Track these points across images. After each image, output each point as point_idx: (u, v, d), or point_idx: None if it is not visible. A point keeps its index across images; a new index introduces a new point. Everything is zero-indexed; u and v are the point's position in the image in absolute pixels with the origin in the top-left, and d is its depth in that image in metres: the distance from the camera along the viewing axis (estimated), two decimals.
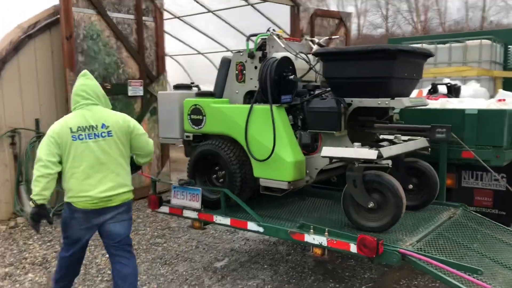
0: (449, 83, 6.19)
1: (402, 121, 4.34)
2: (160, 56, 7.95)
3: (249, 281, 4.48)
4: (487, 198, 5.60)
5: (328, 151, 3.66)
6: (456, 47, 7.45)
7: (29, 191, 6.25)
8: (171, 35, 13.66)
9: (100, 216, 3.43)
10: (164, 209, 4.40)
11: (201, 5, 11.97)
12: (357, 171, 3.57)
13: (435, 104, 4.96)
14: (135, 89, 7.47)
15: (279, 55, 4.18)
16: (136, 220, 6.41)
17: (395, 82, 3.63)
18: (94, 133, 3.40)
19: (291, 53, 4.18)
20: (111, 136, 3.44)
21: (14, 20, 6.49)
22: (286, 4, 10.49)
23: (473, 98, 6.00)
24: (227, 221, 3.97)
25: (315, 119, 3.89)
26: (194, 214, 4.19)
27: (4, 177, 6.30)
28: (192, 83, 4.81)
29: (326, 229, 3.48)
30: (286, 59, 3.98)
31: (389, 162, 3.54)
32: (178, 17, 13.03)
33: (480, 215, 4.29)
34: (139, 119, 7.25)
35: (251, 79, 4.21)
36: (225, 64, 4.49)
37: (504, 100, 5.10)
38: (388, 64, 3.53)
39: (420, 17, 33.21)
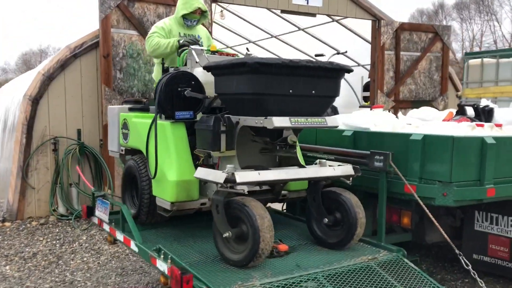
0: (475, 104, 5.11)
1: (296, 143, 3.67)
2: None
3: None
4: (503, 248, 4.58)
5: (198, 172, 3.38)
6: None
7: (63, 194, 7.00)
8: (268, 51, 13.92)
9: None
10: (95, 219, 4.51)
11: (292, 24, 11.98)
12: (220, 195, 3.22)
13: (386, 126, 4.16)
14: None
15: (197, 70, 4.03)
16: None
17: (270, 99, 3.18)
18: None
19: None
20: None
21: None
22: (367, 19, 9.83)
23: None
24: (121, 237, 3.91)
25: (199, 138, 3.64)
26: (108, 227, 4.21)
27: (45, 179, 7.14)
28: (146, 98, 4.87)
29: (170, 256, 3.19)
30: (183, 74, 3.79)
31: (245, 188, 3.10)
32: (275, 36, 13.22)
33: (415, 268, 3.43)
34: None
35: None
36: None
37: (500, 125, 4.04)
38: (252, 79, 3.11)
39: None
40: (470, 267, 3.34)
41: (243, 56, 4.47)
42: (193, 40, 4.40)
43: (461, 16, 40.71)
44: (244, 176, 3.08)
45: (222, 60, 3.37)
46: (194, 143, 3.76)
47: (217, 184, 3.16)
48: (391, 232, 4.47)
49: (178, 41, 4.29)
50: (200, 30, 4.87)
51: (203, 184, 3.69)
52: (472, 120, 5.04)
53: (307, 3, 9.01)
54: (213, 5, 9.06)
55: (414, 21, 39.30)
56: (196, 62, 4.01)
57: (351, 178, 3.59)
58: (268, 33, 13.12)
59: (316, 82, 3.31)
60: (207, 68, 3.56)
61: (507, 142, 3.79)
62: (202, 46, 4.55)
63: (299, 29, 12.12)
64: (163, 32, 4.52)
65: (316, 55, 6.81)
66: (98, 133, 7.41)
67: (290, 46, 13.18)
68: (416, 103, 10.18)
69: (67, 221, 6.94)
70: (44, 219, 6.93)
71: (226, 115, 3.52)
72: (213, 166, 3.79)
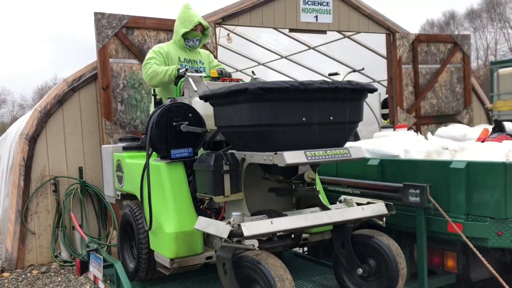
0: None
1: (314, 180, 2.97)
2: None
3: None
4: None
5: (199, 222, 2.83)
6: None
7: (65, 238, 6.50)
8: (279, 72, 13.48)
9: None
10: (91, 275, 3.98)
11: (302, 43, 11.53)
12: (227, 251, 2.64)
13: (418, 153, 3.57)
14: None
15: (196, 100, 3.52)
16: None
17: (279, 131, 2.64)
18: None
19: None
20: None
21: None
22: (380, 33, 9.31)
23: None
24: None
25: (199, 180, 3.08)
26: (103, 286, 3.67)
27: (46, 222, 6.66)
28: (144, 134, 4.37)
29: None
30: (178, 106, 3.27)
31: (255, 243, 2.54)
32: (285, 57, 12.76)
33: None
34: None
35: None
36: None
37: None
38: (255, 108, 2.59)
39: None
40: None
41: (248, 81, 4.00)
42: (194, 69, 3.95)
43: (474, 26, 39.96)
44: (253, 227, 2.51)
45: (220, 88, 2.85)
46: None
47: (221, 238, 2.61)
48: (432, 274, 3.84)
49: (178, 69, 3.77)
50: (201, 54, 4.41)
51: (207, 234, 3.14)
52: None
53: (316, 20, 8.53)
54: (219, 28, 8.68)
55: (425, 33, 38.78)
56: (194, 91, 3.51)
57: (384, 218, 3.01)
58: (278, 54, 12.67)
59: (334, 106, 2.76)
60: (203, 97, 3.04)
61: None
62: (204, 72, 4.07)
63: (310, 47, 11.64)
64: (161, 57, 4.07)
65: (330, 74, 6.31)
66: (100, 170, 6.92)
67: (302, 66, 12.70)
68: (439, 118, 9.58)
69: (71, 268, 6.42)
70: (46, 267, 6.41)
71: (229, 152, 3.00)
72: (219, 210, 3.25)
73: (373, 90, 2.90)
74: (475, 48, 38.33)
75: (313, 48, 11.67)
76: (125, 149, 3.96)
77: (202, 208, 3.29)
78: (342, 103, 2.80)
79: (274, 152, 2.63)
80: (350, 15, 8.84)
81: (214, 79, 3.75)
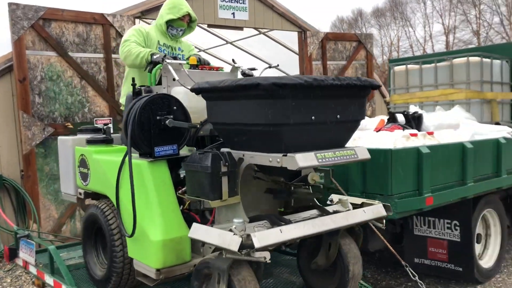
0: (405, 111, 5.24)
1: (321, 183, 3.11)
2: None
3: None
4: (442, 250, 4.67)
5: (196, 230, 2.62)
6: (442, 67, 6.36)
7: None
8: None
9: None
10: (20, 261, 4.10)
11: (220, 38, 11.90)
12: (222, 263, 2.45)
13: None
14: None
15: (176, 90, 3.31)
16: None
17: (289, 131, 2.47)
18: None
19: (185, 87, 3.20)
20: None
21: None
22: (293, 31, 9.93)
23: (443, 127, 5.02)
24: (51, 281, 3.55)
25: (191, 181, 2.83)
26: (35, 270, 3.83)
27: None
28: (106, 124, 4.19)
29: None
30: (161, 98, 2.98)
31: (267, 255, 2.37)
32: (203, 50, 13.06)
33: (366, 285, 3.40)
34: None
35: None
36: (129, 100, 3.36)
37: (431, 133, 4.12)
38: (267, 105, 2.42)
39: None
40: (417, 278, 3.35)
41: (228, 70, 3.96)
42: (172, 55, 3.68)
43: (379, 23, 42.71)
44: (263, 237, 2.33)
45: (222, 80, 2.65)
46: (176, 183, 3.06)
47: (226, 251, 2.39)
48: None
49: (152, 54, 3.51)
50: (182, 43, 4.22)
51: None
52: (403, 127, 5.15)
53: (233, 16, 8.95)
54: (137, 21, 8.78)
55: (336, 29, 40.93)
56: (174, 79, 3.26)
57: (384, 221, 3.05)
58: (196, 47, 12.91)
59: (341, 104, 2.65)
60: (196, 90, 2.82)
61: (439, 151, 3.88)
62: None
63: (227, 42, 12.05)
64: (141, 36, 3.82)
65: (249, 69, 6.74)
66: (18, 163, 6.85)
67: (220, 59, 13.07)
68: None
69: None
70: None
71: (226, 151, 2.79)
72: (203, 213, 3.07)
73: (377, 86, 2.86)
74: (381, 44, 41.05)
75: (231, 43, 12.10)
76: (89, 142, 3.58)
77: (184, 209, 3.05)
78: (350, 100, 2.70)
79: (282, 154, 2.46)
80: (264, 13, 9.35)
81: (193, 66, 3.55)
